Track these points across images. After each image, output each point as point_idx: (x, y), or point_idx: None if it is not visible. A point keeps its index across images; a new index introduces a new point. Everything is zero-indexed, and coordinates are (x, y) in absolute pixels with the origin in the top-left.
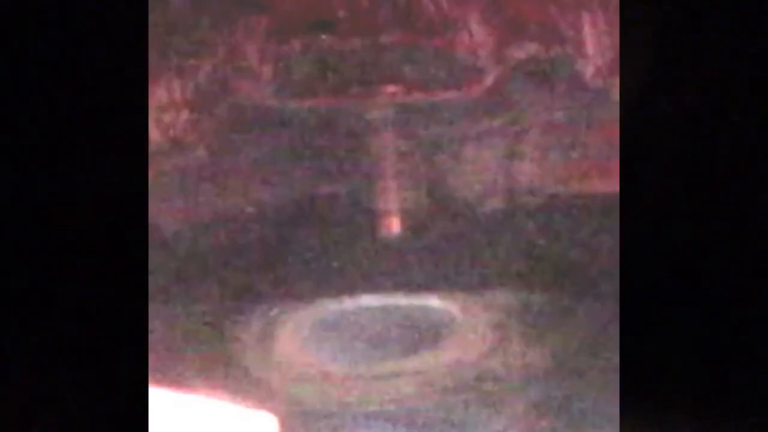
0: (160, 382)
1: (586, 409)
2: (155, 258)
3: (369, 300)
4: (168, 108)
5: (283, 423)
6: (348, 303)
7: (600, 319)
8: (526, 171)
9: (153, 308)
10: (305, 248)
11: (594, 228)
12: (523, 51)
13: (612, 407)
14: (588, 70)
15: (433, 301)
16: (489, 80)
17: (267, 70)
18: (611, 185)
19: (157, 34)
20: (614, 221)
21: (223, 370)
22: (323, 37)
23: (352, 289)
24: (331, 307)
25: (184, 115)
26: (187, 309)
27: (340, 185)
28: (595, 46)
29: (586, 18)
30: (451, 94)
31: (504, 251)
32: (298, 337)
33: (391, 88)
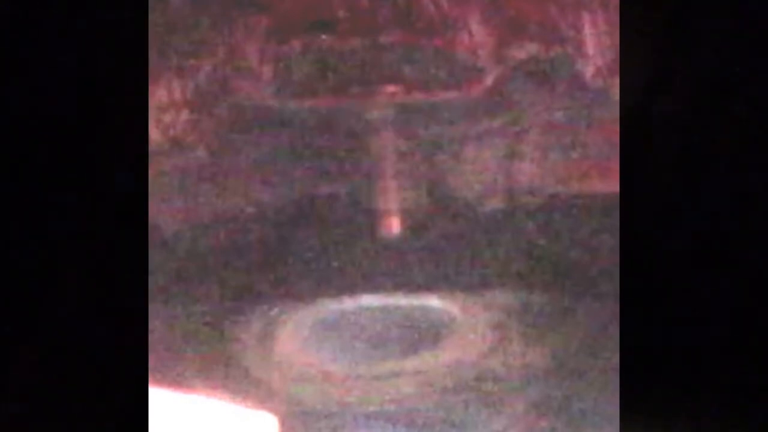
0: (160, 382)
1: (586, 409)
2: (155, 258)
3: (369, 300)
4: (168, 108)
5: (283, 423)
6: (348, 303)
7: (600, 319)
8: (526, 171)
9: (153, 308)
10: (305, 248)
11: (594, 228)
12: (523, 51)
13: (612, 407)
14: (588, 70)
15: (433, 301)
16: (489, 80)
17: (267, 70)
18: (611, 185)
19: (157, 34)
20: (614, 221)
21: (223, 370)
22: (323, 37)
23: (352, 289)
24: (331, 307)
25: (184, 115)
26: (187, 309)
27: (340, 185)
28: (595, 46)
29: (586, 18)
30: (451, 94)
31: (504, 251)
32: (298, 337)
33: (391, 88)
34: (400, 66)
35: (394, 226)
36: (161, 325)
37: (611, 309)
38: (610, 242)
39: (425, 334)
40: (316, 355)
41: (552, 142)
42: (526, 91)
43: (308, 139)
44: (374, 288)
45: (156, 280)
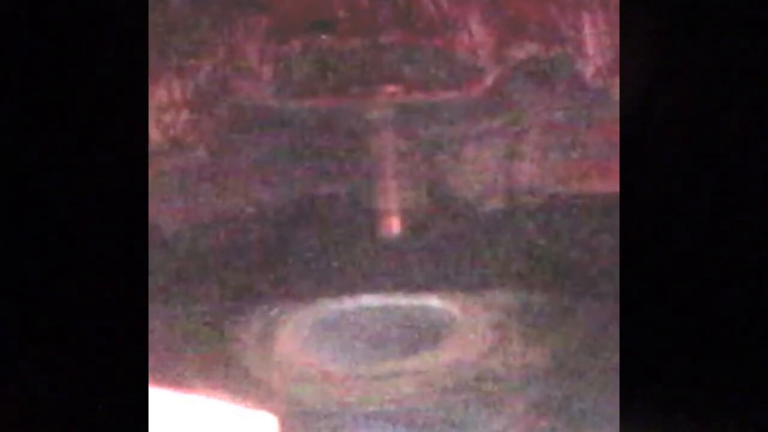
0: (160, 382)
1: (586, 409)
2: (155, 258)
3: (369, 300)
4: (168, 108)
5: (283, 423)
6: (348, 303)
7: (600, 319)
8: (526, 171)
9: (153, 308)
10: (305, 248)
11: (594, 228)
12: (523, 51)
13: (612, 407)
14: (588, 70)
15: (433, 301)
16: (489, 80)
17: (267, 70)
18: (611, 185)
19: (157, 34)
20: (614, 221)
21: (223, 370)
22: (323, 37)
23: (352, 289)
24: (331, 307)
25: (184, 115)
26: (187, 309)
27: (340, 185)
28: (595, 46)
29: (586, 18)
30: (451, 94)
31: (504, 251)
32: (298, 337)
33: (391, 88)
34: (400, 66)
35: (394, 226)
36: (161, 325)
37: (611, 309)
38: (610, 242)
39: (425, 334)
40: (316, 355)
41: (552, 142)
42: (526, 91)
43: (308, 139)
44: (374, 288)
45: (156, 280)
